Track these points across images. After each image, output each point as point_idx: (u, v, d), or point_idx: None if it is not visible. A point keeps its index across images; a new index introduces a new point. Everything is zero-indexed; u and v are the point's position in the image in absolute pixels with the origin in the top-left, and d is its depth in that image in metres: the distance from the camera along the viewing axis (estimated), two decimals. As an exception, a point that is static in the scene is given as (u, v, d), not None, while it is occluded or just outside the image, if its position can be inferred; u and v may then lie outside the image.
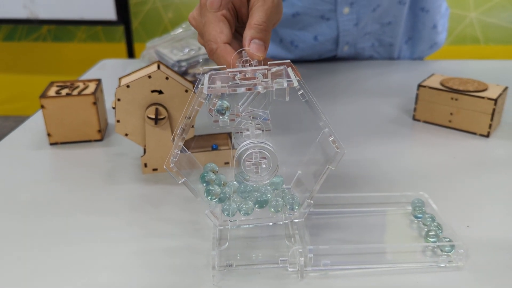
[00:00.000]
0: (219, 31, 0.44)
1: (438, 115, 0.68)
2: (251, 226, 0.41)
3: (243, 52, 0.42)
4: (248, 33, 0.44)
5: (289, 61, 0.39)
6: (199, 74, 0.82)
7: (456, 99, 0.65)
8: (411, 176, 0.55)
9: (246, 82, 0.36)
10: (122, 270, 0.40)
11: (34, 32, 2.37)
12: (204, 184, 0.40)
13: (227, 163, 0.57)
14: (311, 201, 0.39)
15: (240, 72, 0.38)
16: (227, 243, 0.40)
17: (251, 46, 0.43)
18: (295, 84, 0.35)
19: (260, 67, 0.38)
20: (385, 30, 0.94)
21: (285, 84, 0.35)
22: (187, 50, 0.85)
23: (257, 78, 0.37)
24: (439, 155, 0.60)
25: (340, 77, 0.90)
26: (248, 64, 0.40)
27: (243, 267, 0.39)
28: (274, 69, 0.38)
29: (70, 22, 2.07)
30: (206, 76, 0.38)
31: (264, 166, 0.37)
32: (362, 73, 0.91)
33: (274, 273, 0.39)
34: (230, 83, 0.37)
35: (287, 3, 0.87)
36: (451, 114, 0.66)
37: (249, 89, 0.36)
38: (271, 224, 0.41)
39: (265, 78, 0.37)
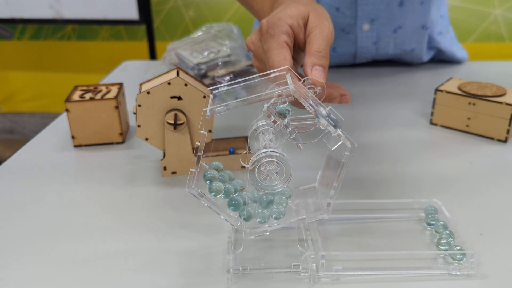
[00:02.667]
0: (283, 58, 0.45)
1: (455, 119, 0.68)
2: (280, 227, 0.42)
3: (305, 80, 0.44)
4: (309, 60, 0.46)
5: (343, 119, 0.40)
6: (218, 76, 0.83)
7: (474, 104, 0.65)
8: (427, 182, 0.55)
9: (316, 107, 0.38)
10: (139, 271, 0.41)
11: (59, 31, 2.42)
12: (207, 182, 0.41)
13: (243, 167, 0.58)
14: (331, 201, 0.41)
15: (312, 97, 0.39)
16: (241, 248, 0.41)
17: (314, 72, 0.45)
18: (349, 145, 0.38)
19: (323, 104, 0.40)
20: (407, 55, 0.93)
21: (343, 137, 0.38)
22: (206, 53, 0.86)
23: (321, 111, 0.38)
24: (456, 160, 0.60)
25: (357, 81, 0.90)
26: (313, 92, 0.42)
27: (257, 271, 0.41)
28: (333, 115, 0.39)
29: (93, 22, 2.11)
30: (289, 76, 0.39)
31: (276, 174, 0.38)
32: (379, 77, 0.91)
33: (287, 278, 0.40)
34: (309, 102, 0.38)
35: None
36: (469, 119, 0.66)
37: (313, 113, 0.38)
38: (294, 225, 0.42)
39: (329, 118, 0.38)
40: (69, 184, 0.56)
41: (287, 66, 0.41)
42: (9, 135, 2.56)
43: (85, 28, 2.38)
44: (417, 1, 0.86)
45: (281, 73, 0.41)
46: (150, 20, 2.10)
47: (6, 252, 0.44)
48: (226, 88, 0.41)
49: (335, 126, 0.38)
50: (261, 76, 0.41)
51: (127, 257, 0.43)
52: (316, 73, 0.45)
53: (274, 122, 0.40)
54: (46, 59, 2.49)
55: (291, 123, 0.40)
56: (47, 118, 0.70)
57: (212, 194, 0.40)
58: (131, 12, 2.01)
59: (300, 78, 0.44)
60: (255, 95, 0.38)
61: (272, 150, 0.37)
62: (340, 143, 0.38)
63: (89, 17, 2.05)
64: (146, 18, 2.04)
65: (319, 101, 0.39)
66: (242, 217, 0.41)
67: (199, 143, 0.40)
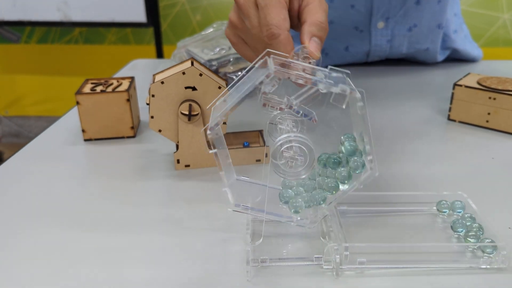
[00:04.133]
0: (283, 18, 0.43)
1: (474, 115, 0.66)
2: (263, 218, 0.41)
3: (301, 47, 0.42)
4: (309, 29, 0.44)
5: (348, 72, 0.38)
6: (229, 73, 0.82)
7: (494, 99, 0.63)
8: (448, 176, 0.53)
9: (309, 76, 0.36)
10: (155, 264, 0.40)
11: (67, 35, 2.43)
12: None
13: (258, 160, 0.56)
14: (327, 212, 0.39)
15: (303, 66, 0.37)
16: (261, 239, 0.40)
17: (311, 44, 0.43)
18: (358, 95, 0.35)
19: (321, 68, 0.38)
20: (421, 55, 0.92)
21: (347, 91, 0.35)
22: (217, 50, 0.85)
23: (319, 76, 0.36)
24: (477, 155, 0.58)
25: (370, 79, 0.88)
26: (308, 62, 0.40)
27: (277, 263, 0.39)
28: (335, 73, 0.38)
29: (101, 24, 2.12)
30: (270, 59, 0.38)
31: (300, 160, 0.36)
32: (393, 74, 0.90)
33: (308, 271, 0.38)
34: (295, 72, 0.36)
35: None
36: (489, 114, 0.64)
37: (308, 82, 0.36)
38: (271, 219, 0.41)
39: (328, 79, 0.36)
40: (80, 178, 0.54)
41: (267, 50, 0.39)
42: (15, 139, 2.56)
43: (92, 31, 2.39)
44: (434, 0, 0.84)
45: (263, 59, 0.39)
46: (158, 23, 2.10)
47: (15, 245, 0.43)
48: (222, 99, 0.39)
49: (336, 84, 0.36)
50: (247, 72, 0.39)
51: (142, 250, 0.41)
52: (314, 45, 0.43)
53: (281, 109, 0.39)
54: (53, 63, 2.49)
55: (294, 101, 0.38)
56: (53, 121, 0.70)
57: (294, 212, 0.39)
58: (139, 14, 2.01)
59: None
60: (241, 93, 0.36)
61: (294, 134, 0.35)
62: (347, 98, 0.36)
63: (97, 19, 2.05)
64: (154, 20, 2.04)
65: (315, 67, 0.37)
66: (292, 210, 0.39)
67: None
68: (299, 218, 0.40)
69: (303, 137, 0.36)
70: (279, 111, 0.41)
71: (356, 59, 0.92)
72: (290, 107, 0.39)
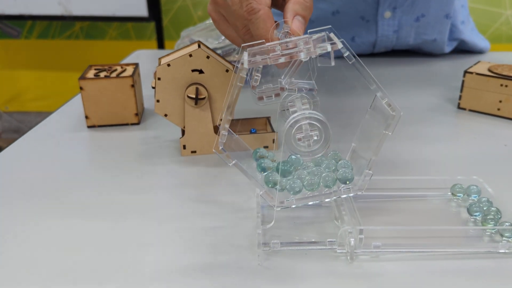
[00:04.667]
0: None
1: (485, 103, 0.64)
2: (310, 203, 0.38)
3: (282, 24, 0.41)
4: (292, 7, 0.42)
5: (330, 26, 0.37)
6: (234, 61, 0.81)
7: (506, 86, 0.62)
8: (461, 162, 0.52)
9: (287, 51, 0.35)
10: (164, 248, 0.38)
11: (67, 30, 2.41)
12: (256, 160, 0.38)
13: (266, 147, 0.55)
14: (370, 171, 0.37)
15: (280, 44, 0.36)
16: (273, 222, 0.38)
17: (294, 22, 0.42)
18: (340, 46, 0.33)
19: (301, 37, 0.37)
20: (428, 45, 0.91)
21: (329, 48, 0.34)
22: (222, 39, 0.84)
23: (299, 46, 0.35)
24: (489, 143, 0.57)
25: (377, 69, 0.87)
26: (289, 36, 0.39)
27: (289, 247, 0.37)
28: (315, 36, 0.37)
29: (102, 19, 2.10)
30: (246, 53, 0.37)
31: (315, 138, 0.35)
32: (400, 65, 0.89)
33: (322, 255, 0.37)
34: (271, 54, 0.35)
35: (327, 1, 0.84)
36: (500, 101, 0.63)
37: (292, 58, 0.35)
38: (328, 200, 0.39)
39: (307, 44, 0.35)
40: (83, 165, 0.53)
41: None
42: (15, 134, 2.54)
43: (93, 27, 2.37)
44: None
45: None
46: (160, 17, 2.08)
47: (18, 232, 0.41)
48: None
49: (316, 46, 0.34)
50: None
51: (149, 233, 0.40)
52: (297, 24, 0.41)
53: (282, 89, 0.38)
54: (53, 58, 2.48)
55: (283, 81, 0.37)
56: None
57: (261, 171, 0.38)
58: (140, 9, 1.99)
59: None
60: (230, 98, 0.35)
61: (309, 111, 0.34)
62: (332, 54, 0.34)
63: (98, 14, 2.04)
64: (155, 15, 2.03)
65: (293, 38, 0.36)
66: (290, 192, 0.38)
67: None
68: (345, 188, 0.38)
69: (317, 113, 0.34)
70: (276, 97, 0.40)
71: (362, 50, 0.91)
72: (283, 89, 0.38)
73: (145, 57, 0.97)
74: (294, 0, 0.43)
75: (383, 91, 0.34)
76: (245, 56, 0.36)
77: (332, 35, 0.35)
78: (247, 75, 0.35)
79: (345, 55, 0.33)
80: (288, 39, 0.36)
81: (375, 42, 0.88)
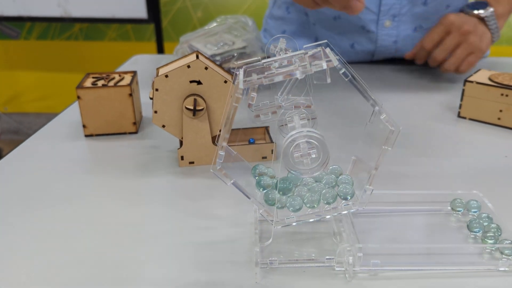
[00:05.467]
0: None
1: (485, 112, 0.64)
2: (311, 220, 0.38)
3: (279, 39, 0.40)
4: None
5: (326, 41, 0.37)
6: (233, 68, 0.80)
7: (507, 95, 0.62)
8: (461, 175, 0.51)
9: (283, 70, 0.34)
10: (160, 264, 0.38)
11: (67, 31, 2.40)
12: (256, 177, 0.38)
13: (264, 157, 0.55)
14: (371, 187, 0.36)
15: (276, 61, 0.36)
16: (270, 239, 0.38)
17: None
18: (335, 63, 0.33)
19: (296, 53, 0.36)
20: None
21: (324, 65, 0.33)
22: (221, 44, 0.83)
23: (294, 63, 0.35)
24: (489, 153, 0.56)
25: (380, 74, 0.87)
26: (285, 52, 0.38)
27: (287, 265, 0.37)
28: (311, 52, 0.36)
29: (102, 20, 2.09)
30: (241, 71, 0.36)
31: (314, 156, 0.35)
32: (399, 72, 0.88)
33: (320, 273, 0.37)
34: (266, 73, 0.34)
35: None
36: (501, 111, 0.63)
37: (287, 77, 0.34)
38: (328, 217, 0.38)
39: (302, 62, 0.35)
40: (80, 175, 0.53)
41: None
42: (14, 136, 2.53)
43: (93, 28, 2.36)
44: (443, 5, 0.83)
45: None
46: (159, 19, 2.08)
47: (14, 241, 0.41)
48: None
49: (311, 63, 0.34)
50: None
51: (146, 248, 0.40)
52: None
53: (278, 107, 0.37)
54: (53, 59, 2.47)
55: (280, 99, 0.36)
56: (52, 118, 0.68)
57: (260, 189, 0.38)
58: (140, 10, 1.99)
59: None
60: (225, 118, 0.35)
61: (308, 130, 0.34)
62: (327, 71, 0.34)
63: (97, 15, 2.03)
64: (155, 17, 2.02)
65: (288, 54, 0.36)
66: (290, 208, 0.37)
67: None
68: (345, 204, 0.38)
69: (315, 131, 0.34)
70: (273, 115, 0.40)
71: (361, 58, 0.90)
72: (280, 107, 0.37)
73: (143, 62, 0.97)
74: None
75: (381, 106, 0.34)
76: (241, 75, 0.35)
77: (328, 51, 0.35)
78: (243, 93, 0.35)
79: (341, 72, 0.33)
80: (283, 56, 0.36)
81: (374, 51, 0.88)
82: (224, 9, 2.22)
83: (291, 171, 0.36)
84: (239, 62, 0.38)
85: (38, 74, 2.53)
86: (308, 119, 0.38)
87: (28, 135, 0.63)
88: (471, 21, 0.78)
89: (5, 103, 2.58)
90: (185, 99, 0.50)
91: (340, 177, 0.38)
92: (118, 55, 2.37)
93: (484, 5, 0.80)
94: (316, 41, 0.92)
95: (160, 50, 2.14)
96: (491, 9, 0.79)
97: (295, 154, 0.34)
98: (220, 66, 0.81)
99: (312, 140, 0.34)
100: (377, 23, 0.84)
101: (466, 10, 0.81)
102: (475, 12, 0.80)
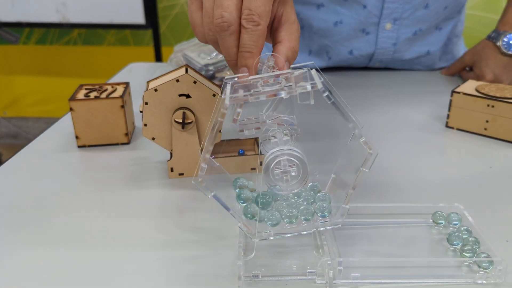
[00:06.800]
0: (236, 7, 0.41)
1: (472, 122, 0.65)
2: (288, 236, 0.39)
3: (265, 57, 0.41)
4: (285, 52, 0.43)
5: (313, 62, 0.38)
6: (226, 78, 0.81)
7: (493, 106, 0.63)
8: (445, 187, 0.52)
9: (268, 88, 0.35)
10: (145, 276, 0.39)
11: (65, 36, 2.42)
12: (237, 190, 0.39)
13: (253, 169, 0.56)
14: (347, 206, 0.37)
15: (263, 78, 0.37)
16: (253, 253, 0.39)
17: (282, 66, 0.42)
18: (319, 86, 0.34)
19: (282, 72, 0.37)
20: (422, 60, 0.92)
21: (309, 87, 0.34)
22: (214, 54, 0.84)
23: (280, 83, 0.36)
24: (474, 164, 0.57)
25: (370, 83, 0.88)
26: (272, 70, 0.39)
27: (270, 278, 0.38)
28: (297, 72, 0.37)
29: (100, 26, 2.11)
30: (228, 86, 0.37)
31: (293, 174, 0.36)
32: (391, 80, 0.89)
33: (302, 285, 0.38)
34: (252, 91, 0.36)
35: (331, 10, 0.85)
36: (487, 121, 0.64)
37: (272, 96, 0.35)
38: (305, 232, 0.39)
39: (288, 82, 0.36)
40: (73, 185, 0.54)
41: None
42: (13, 140, 2.55)
43: (91, 33, 2.38)
44: (441, 7, 0.84)
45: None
46: (157, 25, 2.09)
47: (6, 253, 0.42)
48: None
49: (296, 84, 0.35)
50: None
51: (132, 262, 0.41)
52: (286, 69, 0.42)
53: (257, 128, 0.39)
54: (51, 64, 2.49)
55: (265, 115, 0.37)
56: (51, 123, 0.69)
57: (240, 202, 0.38)
58: (138, 16, 2.00)
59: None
60: (210, 132, 0.36)
61: (288, 148, 0.35)
62: (311, 93, 0.35)
63: (96, 21, 2.05)
64: (152, 22, 2.03)
65: (275, 72, 0.37)
66: (268, 222, 0.38)
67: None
68: (322, 222, 0.39)
69: (296, 150, 0.35)
70: (256, 131, 0.41)
71: (358, 62, 0.91)
72: (264, 123, 0.38)
73: (139, 70, 0.98)
74: (288, 46, 0.43)
75: (361, 128, 0.35)
76: (228, 90, 0.36)
77: (313, 72, 0.36)
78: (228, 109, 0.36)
79: (324, 95, 0.34)
80: (270, 74, 0.37)
81: (372, 54, 0.89)
82: (222, 14, 2.23)
83: (271, 187, 0.37)
84: (227, 77, 0.39)
85: (37, 79, 2.54)
86: (291, 135, 0.39)
87: (27, 139, 0.64)
88: (508, 75, 0.79)
89: (4, 107, 2.59)
90: (174, 112, 0.51)
91: (319, 194, 0.39)
92: (116, 60, 2.38)
93: None
94: (310, 53, 0.93)
95: (158, 55, 2.16)
96: None
97: (275, 171, 0.35)
98: (211, 77, 0.82)
99: (292, 158, 0.35)
100: (378, 26, 0.85)
101: (502, 50, 0.80)
102: (511, 52, 0.79)
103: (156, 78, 0.55)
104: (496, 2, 2.11)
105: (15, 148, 0.60)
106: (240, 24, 0.41)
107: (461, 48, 0.97)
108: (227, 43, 0.41)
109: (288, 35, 0.44)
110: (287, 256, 0.41)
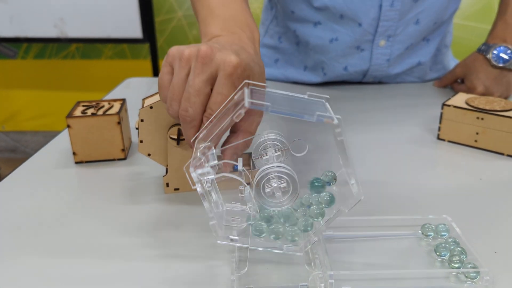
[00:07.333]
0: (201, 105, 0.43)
1: (463, 134, 0.66)
2: (260, 249, 0.40)
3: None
4: (235, 146, 0.45)
5: (327, 96, 0.38)
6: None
7: (482, 119, 0.64)
8: (436, 198, 0.53)
9: (288, 108, 0.36)
10: (142, 291, 0.40)
11: (64, 50, 2.44)
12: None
13: (248, 183, 0.57)
14: (316, 238, 0.39)
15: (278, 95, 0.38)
16: (246, 268, 0.40)
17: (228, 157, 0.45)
18: (336, 122, 0.35)
19: (299, 95, 0.38)
20: (414, 71, 0.94)
21: (325, 119, 0.35)
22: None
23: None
24: (465, 176, 0.59)
25: (364, 97, 0.89)
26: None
27: (263, 291, 0.39)
28: (313, 100, 0.38)
29: (98, 40, 2.13)
30: (247, 90, 0.38)
31: (284, 190, 0.37)
32: (383, 93, 0.91)
33: (294, 298, 0.39)
34: (271, 105, 0.36)
35: (327, 27, 0.87)
36: (477, 133, 0.65)
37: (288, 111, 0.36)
38: (261, 249, 0.40)
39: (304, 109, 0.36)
40: (70, 201, 0.55)
41: (327, 96, 0.39)
42: (11, 154, 2.55)
43: (89, 47, 2.40)
44: (431, 22, 0.86)
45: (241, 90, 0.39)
46: (154, 39, 2.11)
47: (4, 268, 0.43)
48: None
49: (313, 113, 0.35)
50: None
51: (128, 277, 0.42)
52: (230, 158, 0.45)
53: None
54: (50, 78, 2.50)
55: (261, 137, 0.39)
56: (49, 136, 0.70)
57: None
58: (135, 31, 2.03)
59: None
60: (219, 129, 0.37)
61: (278, 165, 0.36)
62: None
63: (93, 36, 2.07)
64: (149, 36, 2.06)
65: (291, 94, 0.37)
66: (255, 233, 0.39)
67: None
68: (287, 246, 0.40)
69: (287, 167, 0.36)
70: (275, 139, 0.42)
71: (352, 78, 0.93)
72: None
73: (136, 86, 0.99)
74: (242, 143, 0.45)
75: (353, 171, 0.36)
76: (247, 94, 0.36)
77: (327, 105, 0.36)
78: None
79: (337, 130, 0.35)
80: (285, 93, 0.37)
81: (367, 70, 0.90)
82: (218, 27, 2.25)
83: (261, 203, 0.38)
84: (247, 81, 0.39)
85: (36, 93, 2.56)
86: (282, 151, 0.40)
87: (26, 153, 0.65)
88: (498, 87, 0.81)
89: (3, 121, 2.60)
90: (169, 128, 0.53)
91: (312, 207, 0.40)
92: (114, 73, 2.40)
93: (505, 50, 0.81)
94: (305, 69, 0.95)
95: (155, 68, 2.18)
96: None
97: (266, 189, 0.36)
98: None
99: (282, 175, 0.36)
100: (373, 43, 0.86)
101: (492, 62, 0.82)
102: (501, 65, 0.81)
103: (151, 96, 0.56)
104: (489, 13, 2.14)
105: (14, 162, 0.61)
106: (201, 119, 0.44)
107: (450, 58, 0.99)
108: (187, 132, 0.44)
109: (248, 124, 0.45)
110: (279, 270, 0.42)
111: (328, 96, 0.38)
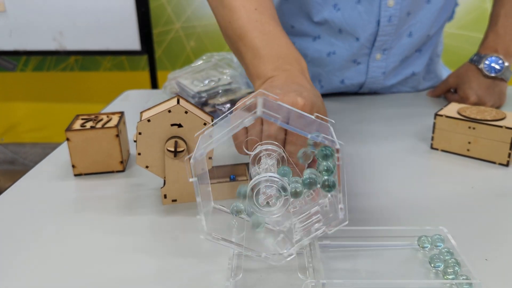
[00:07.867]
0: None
1: (455, 144, 0.68)
2: (246, 253, 0.41)
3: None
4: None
5: (333, 121, 0.40)
6: (219, 104, 0.84)
7: (474, 128, 0.65)
8: (429, 207, 0.54)
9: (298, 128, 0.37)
10: (141, 302, 0.40)
11: (62, 62, 2.46)
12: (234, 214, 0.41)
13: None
14: (293, 252, 0.40)
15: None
16: (241, 274, 0.41)
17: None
18: (337, 147, 0.37)
19: (307, 114, 0.40)
20: (408, 80, 0.95)
21: (326, 143, 0.36)
22: (207, 81, 0.87)
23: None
24: (457, 184, 0.60)
25: (359, 107, 0.90)
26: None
27: (258, 300, 0.40)
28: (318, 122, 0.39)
29: (96, 53, 2.15)
30: (261, 100, 0.39)
31: (275, 199, 0.38)
32: (380, 103, 0.92)
33: (289, 307, 0.39)
34: (282, 118, 0.38)
35: (326, 41, 0.88)
36: (469, 143, 0.66)
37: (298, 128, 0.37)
38: (264, 255, 0.42)
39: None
40: (69, 213, 0.56)
41: (259, 90, 0.41)
42: (10, 166, 2.56)
43: (88, 59, 2.42)
44: (425, 35, 0.88)
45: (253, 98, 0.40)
46: (152, 51, 2.13)
47: (2, 282, 0.43)
48: (208, 132, 0.41)
49: (319, 134, 0.37)
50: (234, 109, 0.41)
51: (126, 287, 0.42)
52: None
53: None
54: (48, 90, 2.52)
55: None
56: (48, 148, 0.71)
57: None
58: (133, 43, 2.04)
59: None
60: (226, 130, 0.38)
61: (271, 175, 0.37)
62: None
63: (92, 48, 2.09)
64: (148, 48, 2.08)
65: (302, 113, 0.39)
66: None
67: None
68: (268, 255, 0.41)
69: (277, 176, 0.37)
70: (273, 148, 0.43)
71: (348, 90, 0.95)
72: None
73: (134, 98, 1.01)
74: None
75: (344, 196, 0.38)
76: (260, 103, 0.38)
77: (331, 129, 0.38)
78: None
79: (336, 155, 0.37)
80: (297, 110, 0.39)
81: (363, 83, 0.92)
82: (217, 38, 2.28)
83: (253, 212, 0.39)
84: (261, 90, 0.40)
85: (34, 105, 2.57)
86: (277, 160, 0.41)
87: (25, 165, 0.66)
88: (490, 97, 0.83)
89: (2, 133, 2.61)
90: (166, 141, 0.54)
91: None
92: (113, 85, 2.42)
93: (496, 60, 0.83)
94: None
95: (154, 79, 2.20)
96: (506, 64, 0.82)
97: (258, 196, 0.38)
98: (204, 104, 0.85)
99: (274, 185, 0.37)
100: (369, 56, 0.88)
101: (484, 72, 0.84)
102: (493, 75, 0.83)
103: (149, 109, 0.57)
104: (483, 22, 2.16)
105: (13, 174, 0.63)
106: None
107: (441, 67, 1.01)
108: None
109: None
110: (274, 278, 0.42)
111: (334, 121, 0.40)
